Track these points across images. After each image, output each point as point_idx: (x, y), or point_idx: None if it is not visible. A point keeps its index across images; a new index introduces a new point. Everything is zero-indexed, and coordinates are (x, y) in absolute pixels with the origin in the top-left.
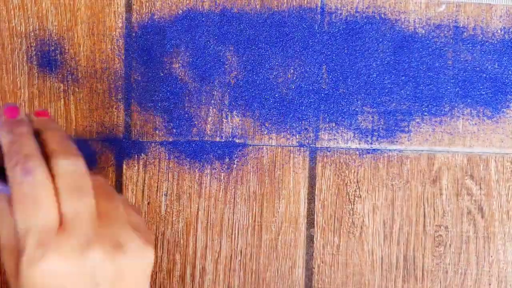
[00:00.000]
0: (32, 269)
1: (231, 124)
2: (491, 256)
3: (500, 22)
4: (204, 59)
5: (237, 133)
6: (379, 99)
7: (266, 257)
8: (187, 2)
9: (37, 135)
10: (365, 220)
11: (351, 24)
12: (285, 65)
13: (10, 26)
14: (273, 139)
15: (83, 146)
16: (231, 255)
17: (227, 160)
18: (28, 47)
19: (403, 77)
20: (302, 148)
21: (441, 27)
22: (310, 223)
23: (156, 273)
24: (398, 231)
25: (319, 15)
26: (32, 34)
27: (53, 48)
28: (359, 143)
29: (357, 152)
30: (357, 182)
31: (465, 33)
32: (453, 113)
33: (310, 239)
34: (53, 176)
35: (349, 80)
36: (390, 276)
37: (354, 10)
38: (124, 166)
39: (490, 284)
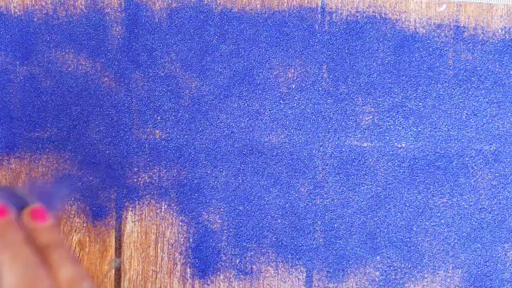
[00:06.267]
0: None
1: (231, 122)
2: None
3: (500, 21)
4: (205, 59)
5: (238, 131)
6: (380, 99)
7: (267, 257)
8: (188, 1)
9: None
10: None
11: (352, 24)
12: (286, 64)
13: None
14: (273, 136)
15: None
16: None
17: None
18: None
19: (403, 77)
20: (303, 146)
21: (442, 27)
22: None
23: (157, 273)
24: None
25: (319, 15)
26: None
27: None
28: (360, 142)
29: (358, 151)
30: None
31: (465, 33)
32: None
33: None
34: None
35: (350, 79)
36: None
37: (355, 10)
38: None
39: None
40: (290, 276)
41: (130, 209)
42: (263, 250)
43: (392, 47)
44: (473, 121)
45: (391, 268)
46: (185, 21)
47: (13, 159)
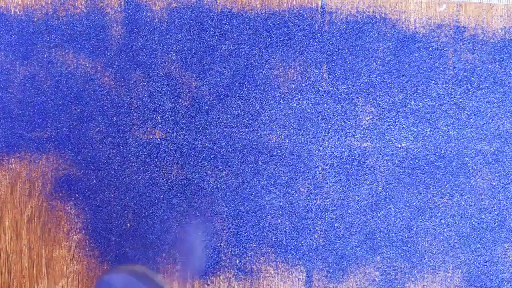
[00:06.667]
0: None
1: (231, 122)
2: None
3: (500, 21)
4: (205, 59)
5: (238, 131)
6: (380, 99)
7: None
8: (188, 1)
9: None
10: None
11: (352, 24)
12: (286, 64)
13: None
14: (273, 136)
15: None
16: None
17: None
18: None
19: (403, 77)
20: (304, 143)
21: (442, 27)
22: None
23: (157, 273)
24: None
25: (319, 15)
26: None
27: None
28: (360, 142)
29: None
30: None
31: (465, 33)
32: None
33: None
34: None
35: (350, 79)
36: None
37: (355, 10)
38: None
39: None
40: (290, 276)
41: (131, 208)
42: (263, 250)
43: (392, 47)
44: (473, 121)
45: (391, 268)
46: (185, 21)
47: (13, 159)
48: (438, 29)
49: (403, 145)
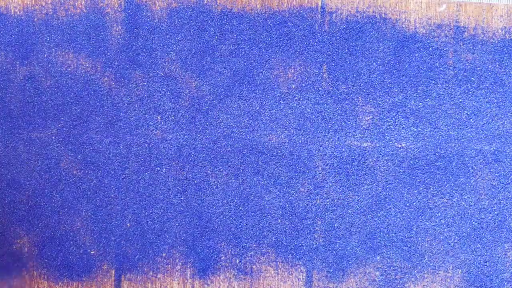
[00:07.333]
0: None
1: (231, 122)
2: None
3: (501, 21)
4: (205, 59)
5: (238, 131)
6: (380, 99)
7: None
8: (188, 1)
9: None
10: None
11: (352, 24)
12: (286, 64)
13: None
14: (273, 136)
15: None
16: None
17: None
18: None
19: (403, 77)
20: (304, 145)
21: (442, 27)
22: None
23: (157, 273)
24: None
25: (319, 15)
26: None
27: None
28: (360, 142)
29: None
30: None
31: (465, 33)
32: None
33: None
34: None
35: (350, 79)
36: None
37: (355, 10)
38: None
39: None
40: (290, 276)
41: (131, 208)
42: (263, 250)
43: (392, 47)
44: (473, 121)
45: (391, 268)
46: (185, 21)
47: (13, 159)
48: (438, 29)
49: (403, 145)
